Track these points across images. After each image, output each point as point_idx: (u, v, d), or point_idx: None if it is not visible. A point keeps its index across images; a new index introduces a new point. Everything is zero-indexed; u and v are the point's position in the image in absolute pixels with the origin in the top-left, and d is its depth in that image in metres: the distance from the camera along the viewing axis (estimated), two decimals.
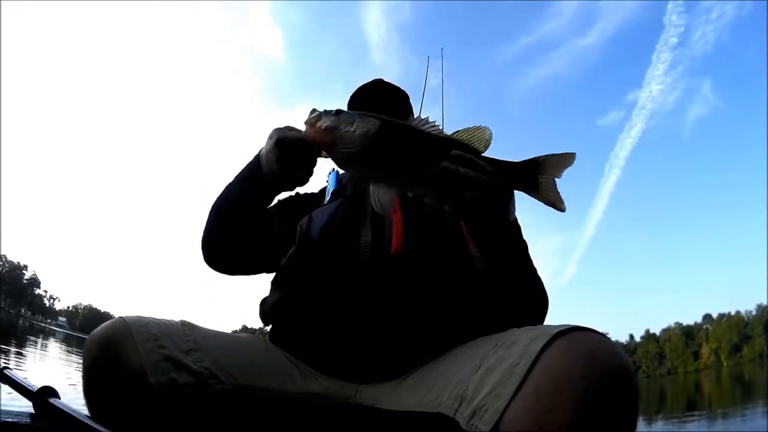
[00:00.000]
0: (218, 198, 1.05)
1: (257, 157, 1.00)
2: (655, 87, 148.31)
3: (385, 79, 1.32)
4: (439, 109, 1.57)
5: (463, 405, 0.66)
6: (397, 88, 1.31)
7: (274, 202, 1.07)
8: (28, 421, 0.71)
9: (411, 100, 1.33)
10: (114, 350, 0.76)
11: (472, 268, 0.98)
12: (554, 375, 0.58)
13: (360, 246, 1.00)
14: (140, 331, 0.78)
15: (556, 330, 0.62)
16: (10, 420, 0.70)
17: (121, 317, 0.82)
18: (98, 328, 0.80)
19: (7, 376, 0.77)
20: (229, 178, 1.07)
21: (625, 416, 0.58)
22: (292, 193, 1.15)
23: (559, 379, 0.57)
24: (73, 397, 0.85)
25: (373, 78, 1.31)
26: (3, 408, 0.72)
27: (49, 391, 0.74)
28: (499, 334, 0.75)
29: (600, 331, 0.63)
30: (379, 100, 1.24)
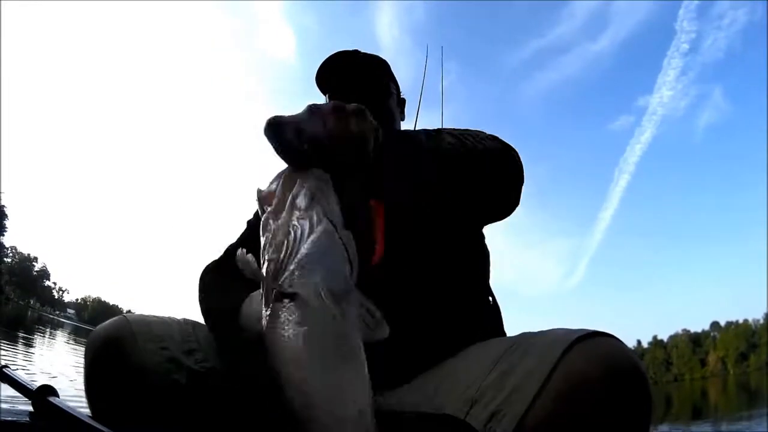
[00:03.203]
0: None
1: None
2: (666, 93, 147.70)
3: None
4: (445, 108, 1.55)
5: (476, 407, 0.65)
6: (363, 58, 1.13)
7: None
8: (28, 420, 0.71)
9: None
10: (116, 350, 0.75)
11: (460, 271, 0.96)
12: (574, 380, 0.57)
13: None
14: (142, 331, 0.78)
15: (576, 335, 0.61)
16: (9, 419, 0.70)
17: (124, 316, 0.81)
18: (100, 327, 0.80)
19: (7, 375, 0.77)
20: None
21: (641, 422, 0.58)
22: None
23: (579, 384, 0.57)
24: (73, 396, 0.85)
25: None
26: (3, 407, 0.73)
27: (48, 390, 0.74)
28: (512, 337, 0.73)
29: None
30: (342, 74, 1.11)
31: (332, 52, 1.11)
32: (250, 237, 1.05)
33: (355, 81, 1.09)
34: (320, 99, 1.14)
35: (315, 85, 1.14)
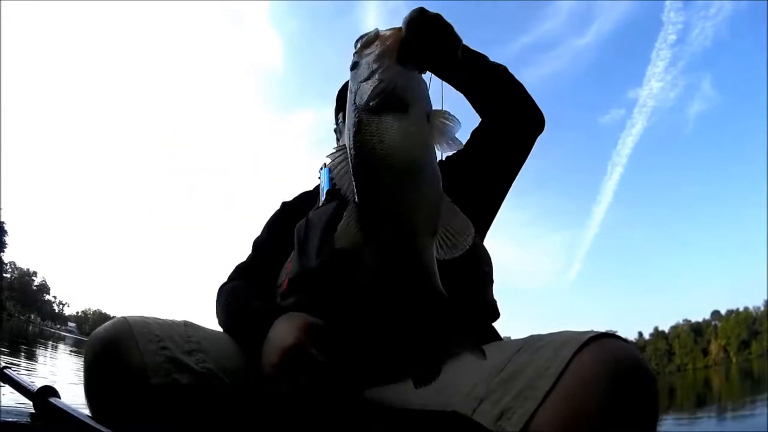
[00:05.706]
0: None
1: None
2: (655, 84, 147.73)
3: None
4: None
5: (484, 405, 0.66)
6: None
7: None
8: (29, 420, 0.71)
9: None
10: (116, 350, 0.76)
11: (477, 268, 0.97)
12: (584, 380, 0.58)
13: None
14: (142, 332, 0.78)
15: (587, 336, 0.62)
16: (10, 419, 0.70)
17: (124, 317, 0.82)
18: (100, 328, 0.80)
19: (8, 375, 0.77)
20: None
21: (649, 421, 0.59)
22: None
23: (588, 384, 0.58)
24: (74, 398, 0.85)
25: None
26: (3, 407, 0.73)
27: (49, 391, 0.74)
28: (521, 339, 0.74)
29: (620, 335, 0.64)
30: None
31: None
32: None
33: None
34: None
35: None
